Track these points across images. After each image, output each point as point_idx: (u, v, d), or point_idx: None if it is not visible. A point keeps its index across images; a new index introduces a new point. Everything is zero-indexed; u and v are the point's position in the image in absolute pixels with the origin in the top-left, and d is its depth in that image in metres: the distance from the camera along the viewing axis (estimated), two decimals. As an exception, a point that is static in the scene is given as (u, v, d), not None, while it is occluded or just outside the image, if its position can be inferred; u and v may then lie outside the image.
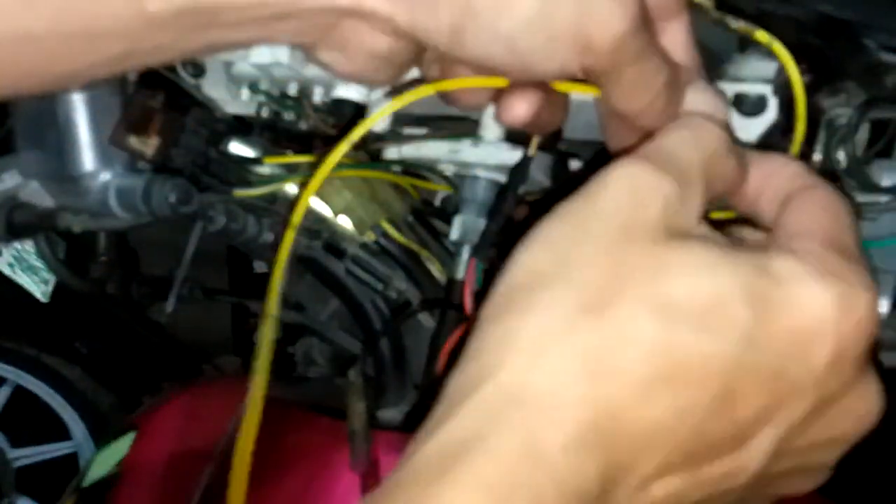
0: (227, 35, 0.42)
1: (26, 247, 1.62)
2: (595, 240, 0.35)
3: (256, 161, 0.81)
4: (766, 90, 0.62)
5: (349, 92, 0.71)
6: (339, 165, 0.64)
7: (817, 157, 0.67)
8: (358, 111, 0.71)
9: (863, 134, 0.68)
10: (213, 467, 0.83)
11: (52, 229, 0.88)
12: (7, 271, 1.68)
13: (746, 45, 0.64)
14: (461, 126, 0.71)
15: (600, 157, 0.48)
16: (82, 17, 0.39)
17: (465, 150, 0.69)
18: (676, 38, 0.44)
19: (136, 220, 0.83)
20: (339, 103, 0.72)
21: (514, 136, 0.69)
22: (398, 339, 0.86)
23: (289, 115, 0.78)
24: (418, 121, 0.73)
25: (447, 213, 0.78)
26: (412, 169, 0.78)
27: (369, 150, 0.76)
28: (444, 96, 0.47)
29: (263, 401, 0.54)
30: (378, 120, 0.52)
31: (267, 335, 0.53)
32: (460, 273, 0.70)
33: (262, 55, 0.69)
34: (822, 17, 0.62)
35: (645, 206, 0.35)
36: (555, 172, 0.68)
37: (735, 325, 0.33)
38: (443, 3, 0.39)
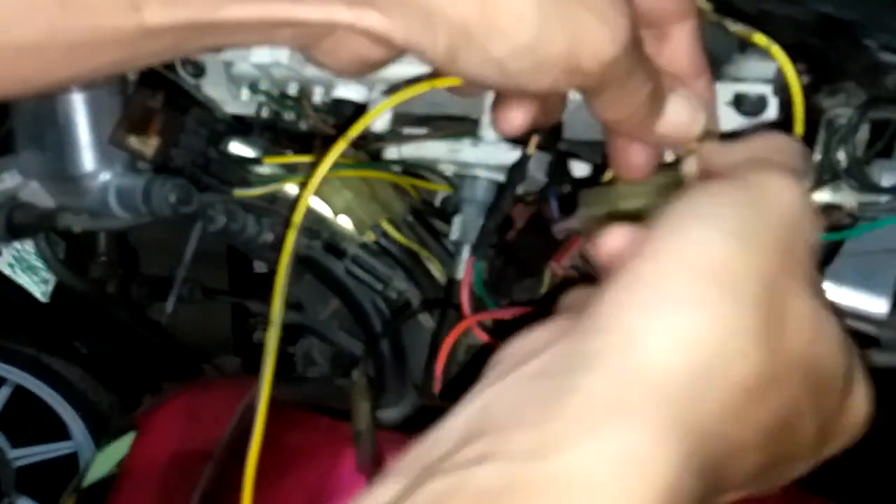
0: (224, 40, 0.42)
1: (26, 247, 1.62)
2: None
3: (256, 161, 0.81)
4: (767, 90, 0.62)
5: (349, 92, 0.71)
6: (340, 165, 0.64)
7: (817, 157, 0.67)
8: (358, 111, 0.71)
9: (863, 134, 0.68)
10: (213, 467, 0.83)
11: (52, 229, 0.88)
12: (7, 271, 1.68)
13: (747, 45, 0.64)
14: (461, 126, 0.71)
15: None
16: (81, 29, 0.39)
17: (465, 150, 0.70)
18: (681, 43, 0.45)
19: (136, 220, 0.83)
20: (339, 103, 0.72)
21: (514, 137, 0.69)
22: (398, 338, 0.86)
23: (289, 115, 0.78)
24: (418, 121, 0.73)
25: (447, 213, 0.78)
26: (412, 169, 0.78)
27: (369, 150, 0.76)
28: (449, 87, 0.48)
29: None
30: (377, 118, 0.52)
31: (273, 342, 0.54)
32: (460, 273, 0.70)
33: (262, 55, 0.70)
34: (822, 17, 0.62)
35: None
36: (553, 172, 0.68)
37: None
38: (439, 25, 0.39)
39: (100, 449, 0.98)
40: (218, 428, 0.85)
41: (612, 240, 0.40)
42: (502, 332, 0.69)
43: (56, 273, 1.03)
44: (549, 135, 0.67)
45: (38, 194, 0.85)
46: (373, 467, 0.72)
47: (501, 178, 0.69)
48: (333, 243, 0.86)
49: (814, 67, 0.66)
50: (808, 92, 0.58)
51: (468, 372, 0.76)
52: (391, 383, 0.86)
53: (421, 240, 0.84)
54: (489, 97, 0.62)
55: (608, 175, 0.62)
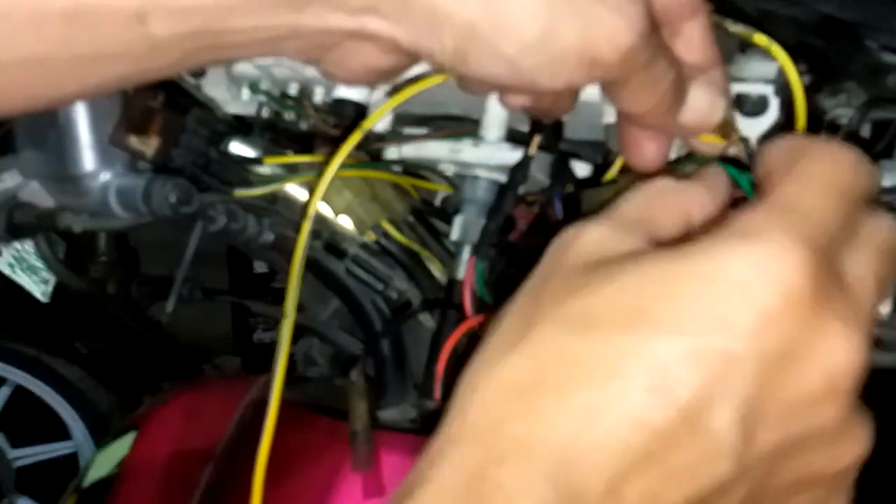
0: (230, 53, 0.42)
1: (26, 247, 1.62)
2: (521, 294, 0.37)
3: (257, 161, 0.81)
4: (768, 90, 0.62)
5: (350, 92, 0.71)
6: (340, 165, 0.64)
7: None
8: (359, 111, 0.71)
9: (864, 134, 0.68)
10: (213, 467, 0.83)
11: (52, 229, 0.88)
12: (7, 271, 1.68)
13: (747, 45, 0.64)
14: (462, 126, 0.71)
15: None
16: (88, 43, 0.39)
17: (466, 150, 0.69)
18: (693, 38, 0.45)
19: (136, 220, 0.83)
20: (340, 103, 0.72)
21: (515, 136, 0.69)
22: (398, 339, 0.86)
23: (289, 115, 0.78)
24: (419, 121, 0.73)
25: (447, 213, 0.78)
26: (412, 169, 0.78)
27: (370, 150, 0.76)
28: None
29: (264, 403, 0.54)
30: (379, 118, 0.52)
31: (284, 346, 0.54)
32: (461, 273, 0.69)
33: (262, 55, 0.69)
34: (823, 17, 0.62)
35: (563, 250, 0.37)
36: (557, 173, 0.68)
37: (651, 314, 0.33)
38: (446, 27, 0.39)
39: (100, 449, 0.98)
40: (218, 428, 0.85)
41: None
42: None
43: (56, 273, 1.03)
44: (550, 135, 0.67)
45: (38, 194, 0.85)
46: (369, 468, 0.72)
47: (502, 178, 0.69)
48: (334, 243, 0.86)
49: (815, 68, 0.66)
50: (809, 92, 0.58)
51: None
52: (391, 383, 0.86)
53: (422, 240, 0.84)
54: (492, 97, 0.62)
55: (609, 174, 0.62)
